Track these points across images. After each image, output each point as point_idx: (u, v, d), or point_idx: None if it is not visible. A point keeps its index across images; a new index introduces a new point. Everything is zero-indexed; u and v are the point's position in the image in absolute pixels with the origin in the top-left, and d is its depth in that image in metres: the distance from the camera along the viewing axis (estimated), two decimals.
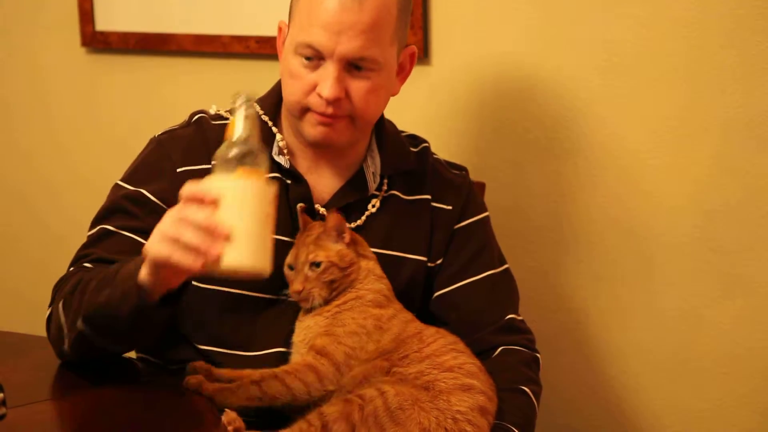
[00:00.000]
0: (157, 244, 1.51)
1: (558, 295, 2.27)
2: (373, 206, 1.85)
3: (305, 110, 1.76)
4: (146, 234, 1.59)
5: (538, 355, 1.87)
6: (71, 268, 1.76)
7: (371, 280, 1.74)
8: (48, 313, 1.74)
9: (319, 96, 1.73)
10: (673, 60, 2.10)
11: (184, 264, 1.48)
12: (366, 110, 1.77)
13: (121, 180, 1.81)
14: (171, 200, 1.67)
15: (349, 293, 1.72)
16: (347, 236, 1.73)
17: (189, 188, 1.49)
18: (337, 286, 1.71)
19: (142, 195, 1.76)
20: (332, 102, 1.72)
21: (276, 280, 1.72)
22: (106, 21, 2.66)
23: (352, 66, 1.73)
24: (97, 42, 2.68)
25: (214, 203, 1.46)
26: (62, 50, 2.74)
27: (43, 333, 1.79)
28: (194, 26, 2.55)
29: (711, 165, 2.10)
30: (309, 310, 1.73)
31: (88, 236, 1.78)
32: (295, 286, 1.70)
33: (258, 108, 1.68)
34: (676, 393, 2.19)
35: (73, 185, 2.77)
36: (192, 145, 1.80)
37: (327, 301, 1.72)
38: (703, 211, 2.11)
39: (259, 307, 1.77)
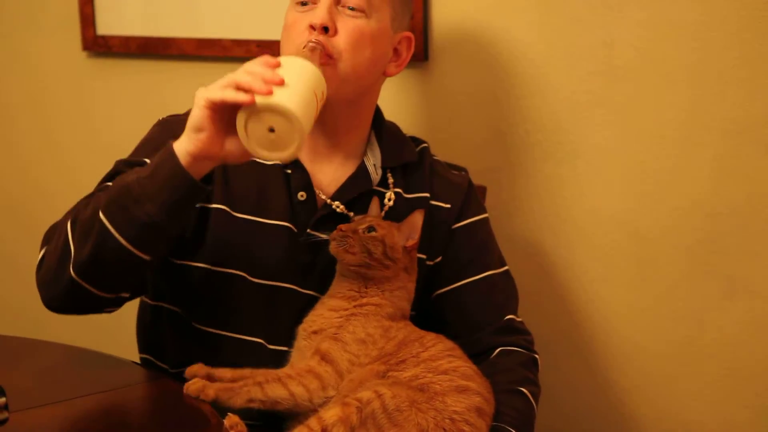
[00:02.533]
0: (210, 90, 1.54)
1: (559, 297, 2.27)
2: (389, 199, 1.86)
3: None
4: None
5: (536, 356, 1.87)
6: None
7: (399, 297, 1.76)
8: (40, 256, 1.73)
9: (311, 28, 1.75)
10: (674, 62, 2.10)
11: (236, 99, 1.51)
12: (352, 53, 1.77)
13: (129, 156, 1.85)
14: None
15: (373, 296, 1.73)
16: (411, 243, 1.76)
17: (258, 59, 1.56)
18: (370, 265, 1.72)
19: (145, 162, 1.76)
20: (321, 30, 1.74)
21: (303, 278, 1.79)
22: (107, 25, 2.66)
23: (344, 6, 1.77)
24: (98, 46, 2.68)
25: (275, 64, 1.55)
26: (63, 54, 2.75)
27: (44, 337, 1.79)
28: (195, 30, 2.55)
29: (713, 168, 2.10)
30: (330, 295, 1.75)
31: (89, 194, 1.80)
32: (341, 226, 1.73)
33: None
34: (677, 396, 2.19)
35: (73, 190, 2.76)
36: None
37: (351, 287, 1.72)
38: (705, 214, 2.11)
39: (292, 301, 1.80)
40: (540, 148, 2.23)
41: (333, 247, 1.72)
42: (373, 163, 1.87)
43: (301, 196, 1.82)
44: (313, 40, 1.73)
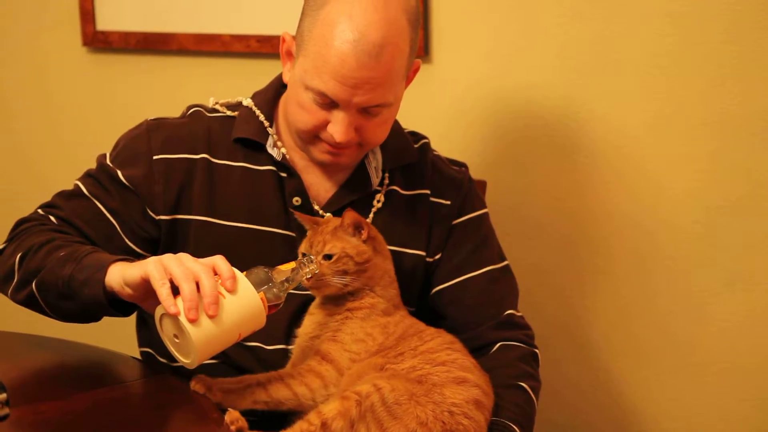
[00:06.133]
0: (158, 269, 1.54)
1: (559, 291, 2.27)
2: (378, 201, 1.86)
3: (314, 138, 1.78)
4: (111, 212, 1.78)
5: (536, 350, 1.87)
6: (39, 210, 1.83)
7: (386, 284, 1.75)
8: (1, 247, 1.81)
9: (332, 137, 1.74)
10: (672, 56, 2.10)
11: (165, 303, 1.51)
12: (375, 140, 1.80)
13: (109, 153, 1.86)
14: (141, 185, 1.80)
15: (365, 298, 1.72)
16: (365, 233, 1.73)
17: (224, 263, 1.55)
18: (352, 278, 1.70)
19: (117, 175, 1.81)
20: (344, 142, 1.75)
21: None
22: (107, 21, 2.67)
23: (364, 110, 1.74)
24: (98, 42, 2.68)
25: (230, 290, 1.54)
26: (63, 50, 2.75)
27: (45, 333, 1.79)
28: (195, 25, 2.55)
29: (711, 161, 2.10)
30: (322, 301, 1.74)
31: (69, 189, 1.85)
32: (307, 271, 1.68)
33: (313, 267, 1.68)
34: (677, 388, 2.19)
35: None
36: (175, 135, 1.83)
37: (340, 297, 1.71)
38: (704, 207, 2.12)
39: (289, 304, 1.76)
40: (539, 142, 2.23)
41: (316, 294, 1.72)
42: (375, 166, 1.86)
43: (296, 201, 1.81)
44: (316, 272, 1.68)
